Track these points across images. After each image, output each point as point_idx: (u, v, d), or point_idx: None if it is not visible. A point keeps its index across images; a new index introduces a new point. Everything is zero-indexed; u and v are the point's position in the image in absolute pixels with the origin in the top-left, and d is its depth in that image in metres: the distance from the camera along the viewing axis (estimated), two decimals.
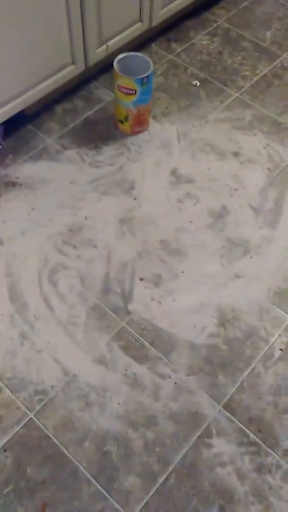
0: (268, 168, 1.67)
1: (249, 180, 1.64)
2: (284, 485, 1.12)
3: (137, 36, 1.84)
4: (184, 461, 1.15)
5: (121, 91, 1.63)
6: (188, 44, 2.01)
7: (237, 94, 1.86)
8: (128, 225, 1.53)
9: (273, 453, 1.16)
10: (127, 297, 1.39)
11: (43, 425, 1.18)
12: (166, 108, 1.81)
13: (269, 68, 1.94)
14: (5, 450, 1.15)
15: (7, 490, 1.10)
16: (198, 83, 1.88)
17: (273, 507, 1.10)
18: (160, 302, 1.39)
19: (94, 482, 1.12)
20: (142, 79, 1.59)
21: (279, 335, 1.34)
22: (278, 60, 1.96)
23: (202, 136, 1.74)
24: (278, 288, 1.42)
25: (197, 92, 1.86)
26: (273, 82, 1.90)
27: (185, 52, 1.98)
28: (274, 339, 1.33)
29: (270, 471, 1.14)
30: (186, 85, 1.88)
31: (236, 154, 1.70)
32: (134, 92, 1.62)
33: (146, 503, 1.10)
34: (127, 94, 1.63)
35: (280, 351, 1.31)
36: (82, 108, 1.80)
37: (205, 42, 2.02)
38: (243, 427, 1.20)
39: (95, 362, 1.28)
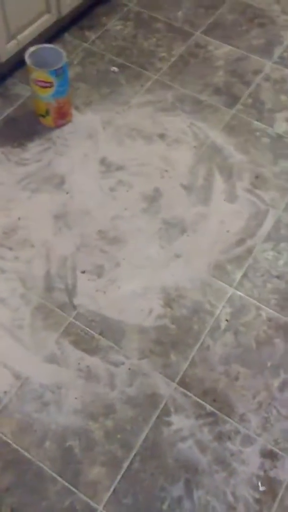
0: (194, 146, 1.69)
1: (178, 160, 1.66)
2: (244, 449, 1.17)
3: (48, 27, 1.80)
4: (146, 442, 1.17)
5: (37, 85, 1.60)
6: (102, 31, 1.99)
7: (156, 76, 1.86)
8: (64, 220, 1.52)
9: (230, 420, 1.20)
10: (71, 292, 1.39)
11: (1, 432, 1.16)
12: (87, 98, 1.79)
13: (184, 47, 1.95)
14: None
15: None
16: (116, 69, 1.87)
17: (236, 472, 1.14)
18: (105, 292, 1.39)
19: (60, 479, 1.12)
20: (56, 70, 1.56)
21: (223, 307, 1.38)
22: (192, 39, 1.98)
23: (126, 122, 1.74)
24: (217, 261, 1.46)
25: (116, 78, 1.86)
26: (189, 61, 1.92)
27: (100, 39, 1.96)
28: (219, 311, 1.37)
29: (229, 438, 1.18)
30: (104, 73, 1.87)
31: (162, 136, 1.71)
32: (50, 84, 1.59)
33: (114, 490, 1.11)
34: (43, 87, 1.60)
35: (226, 322, 1.35)
36: (1, 106, 1.75)
37: (118, 27, 2.01)
38: (199, 400, 1.23)
39: (46, 361, 1.27)
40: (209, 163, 1.66)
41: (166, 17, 2.04)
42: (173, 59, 1.92)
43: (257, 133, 1.73)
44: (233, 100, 1.81)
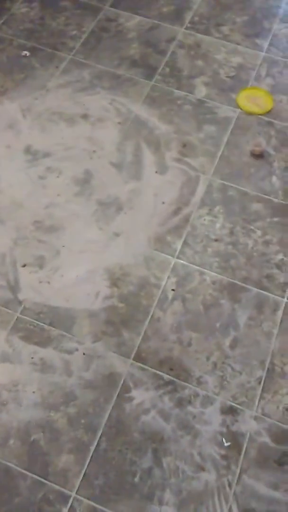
0: (119, 123, 1.68)
1: (104, 139, 1.64)
2: (204, 410, 1.20)
3: None
4: (110, 421, 1.18)
5: None
6: (7, 15, 1.91)
7: (71, 56, 1.82)
8: None
9: (188, 385, 1.23)
10: (14, 287, 1.36)
11: None
12: (2, 86, 1.73)
13: (95, 23, 1.91)
14: None
15: None
16: (27, 53, 1.82)
17: (200, 433, 1.18)
18: (49, 282, 1.38)
19: (29, 474, 1.12)
20: None
21: (168, 277, 1.39)
22: (101, 13, 1.94)
23: (46, 106, 1.70)
24: (156, 234, 1.47)
25: (29, 62, 1.80)
26: (102, 36, 1.88)
27: (6, 24, 1.89)
28: (164, 282, 1.39)
29: (190, 402, 1.21)
30: (16, 58, 1.81)
31: (85, 116, 1.69)
32: None
33: (85, 474, 1.12)
34: None
35: (173, 291, 1.37)
36: None
37: (24, 10, 1.93)
38: (156, 371, 1.25)
39: None
40: (135, 138, 1.65)
41: None
42: (84, 36, 1.87)
43: (179, 102, 1.73)
44: (150, 71, 1.80)
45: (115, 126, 1.67)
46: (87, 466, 1.13)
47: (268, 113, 1.71)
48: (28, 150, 1.61)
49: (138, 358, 1.27)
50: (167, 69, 1.81)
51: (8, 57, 1.80)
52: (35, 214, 1.49)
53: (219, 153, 1.63)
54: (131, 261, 1.42)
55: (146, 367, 1.25)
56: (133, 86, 1.76)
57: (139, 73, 1.80)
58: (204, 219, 1.50)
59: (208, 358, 1.27)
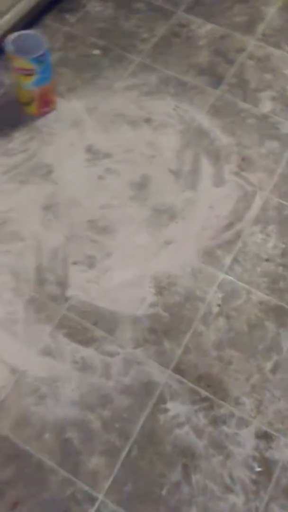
0: (180, 130, 1.68)
1: (164, 145, 1.65)
2: (239, 431, 1.19)
3: (26, 12, 1.75)
4: (144, 430, 1.19)
5: (20, 73, 1.57)
6: (82, 13, 1.94)
7: (139, 59, 1.83)
8: (53, 211, 1.51)
9: (225, 403, 1.23)
10: (63, 284, 1.39)
11: None
12: (71, 84, 1.76)
13: (166, 27, 1.91)
14: None
15: None
16: (99, 52, 1.84)
17: (232, 454, 1.17)
18: (97, 283, 1.39)
19: (60, 470, 1.14)
20: (37, 57, 1.53)
21: (214, 292, 1.39)
22: (174, 18, 1.94)
23: (111, 107, 1.72)
24: (207, 247, 1.46)
25: (99, 62, 1.82)
26: (172, 41, 1.88)
27: (80, 22, 1.92)
28: (210, 296, 1.38)
29: (224, 422, 1.21)
30: (87, 56, 1.83)
31: (148, 121, 1.69)
32: (33, 72, 1.56)
33: (114, 478, 1.14)
34: (26, 75, 1.57)
35: (218, 307, 1.36)
36: None
37: (98, 8, 1.96)
38: (193, 386, 1.25)
39: (41, 355, 1.28)
40: (196, 147, 1.64)
41: None
42: (155, 40, 1.88)
43: (243, 114, 1.71)
44: (217, 80, 1.79)
45: (176, 133, 1.67)
46: (117, 471, 1.15)
47: None
48: (89, 149, 1.63)
49: (177, 370, 1.27)
50: (234, 80, 1.79)
51: (80, 54, 1.83)
52: (90, 214, 1.51)
53: (279, 170, 1.60)
54: (179, 271, 1.42)
55: (184, 380, 1.26)
56: (198, 94, 1.75)
57: (205, 81, 1.78)
58: (257, 237, 1.48)
59: (247, 380, 1.26)
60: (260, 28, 1.92)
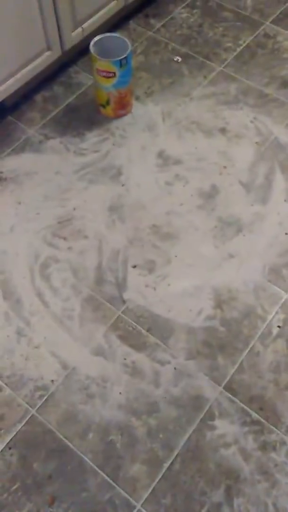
0: (256, 143, 1.63)
1: (238, 156, 1.61)
2: (287, 459, 1.13)
3: (113, 15, 1.78)
4: (188, 444, 1.16)
5: (100, 75, 1.59)
6: (167, 18, 1.95)
7: (221, 68, 1.80)
8: (118, 213, 1.51)
9: (276, 430, 1.17)
10: (121, 285, 1.38)
11: (46, 420, 1.19)
12: (149, 88, 1.77)
13: (252, 37, 1.88)
14: (9, 448, 1.16)
15: (15, 487, 1.12)
16: (180, 59, 1.83)
17: (279, 483, 1.11)
18: (155, 288, 1.38)
19: (100, 472, 1.13)
20: (120, 60, 1.54)
21: (276, 312, 1.33)
22: (261, 29, 1.90)
23: (187, 114, 1.70)
24: (273, 264, 1.41)
25: (179, 68, 1.81)
26: (256, 52, 1.84)
27: (165, 27, 1.92)
28: (271, 316, 1.33)
29: (274, 448, 1.15)
30: (168, 62, 1.83)
31: (223, 130, 1.66)
32: (113, 74, 1.57)
33: (153, 489, 1.11)
34: (106, 77, 1.59)
35: (278, 328, 1.31)
36: (63, 95, 1.76)
37: (184, 15, 1.95)
38: (245, 407, 1.20)
39: (93, 353, 1.28)
40: (271, 161, 1.59)
41: (235, 5, 1.97)
42: (239, 49, 1.85)
43: None
44: None
45: (252, 145, 1.63)
46: (157, 482, 1.12)
47: None
48: (160, 154, 1.62)
49: (229, 388, 1.23)
50: None
51: (161, 60, 1.83)
52: (155, 218, 1.50)
53: None
54: (241, 286, 1.38)
55: (235, 399, 1.21)
56: (278, 107, 1.70)
57: (287, 95, 1.73)
58: None
59: None
60: None
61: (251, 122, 1.68)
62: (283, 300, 1.35)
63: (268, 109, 1.70)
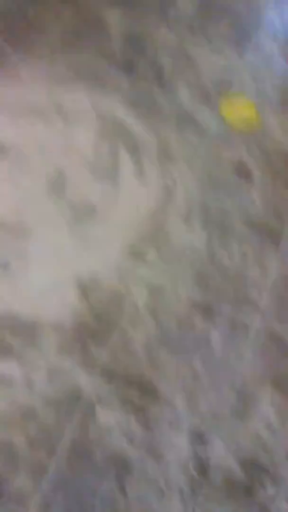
0: (97, 122, 1.60)
1: (80, 139, 1.56)
2: (172, 433, 1.15)
3: None
4: (72, 442, 1.12)
5: None
6: None
7: (51, 47, 1.72)
8: None
9: (157, 405, 1.18)
10: None
11: None
12: None
13: (72, 13, 1.82)
14: None
15: None
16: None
17: (166, 458, 1.13)
18: (13, 289, 1.29)
19: None
20: None
21: (141, 291, 1.34)
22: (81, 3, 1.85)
23: (20, 98, 1.60)
24: (130, 244, 1.41)
25: (3, 47, 1.69)
26: (82, 30, 1.79)
27: None
28: (137, 296, 1.33)
29: (157, 424, 1.16)
30: None
31: (60, 113, 1.60)
32: None
33: (43, 495, 1.06)
34: None
35: (145, 306, 1.31)
36: None
37: None
38: (123, 390, 1.19)
39: None
40: (113, 140, 1.58)
41: None
42: (65, 29, 1.78)
43: (160, 103, 1.67)
44: (132, 68, 1.73)
45: (93, 126, 1.59)
46: (45, 487, 1.06)
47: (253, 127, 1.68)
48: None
49: (106, 375, 1.20)
50: (149, 67, 1.74)
51: None
52: (2, 216, 1.39)
53: (200, 161, 1.58)
54: (103, 271, 1.35)
55: (113, 385, 1.19)
56: (114, 84, 1.69)
57: (120, 70, 1.72)
58: (181, 229, 1.45)
59: (178, 378, 1.22)
60: (171, 13, 1.88)
61: (89, 101, 1.64)
62: (145, 277, 1.36)
63: (104, 87, 1.68)
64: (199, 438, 1.15)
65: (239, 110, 1.69)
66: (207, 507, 1.09)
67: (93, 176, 1.50)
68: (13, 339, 1.22)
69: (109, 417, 1.15)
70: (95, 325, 1.27)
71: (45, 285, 1.31)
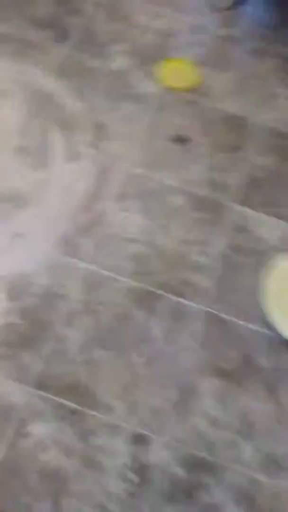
0: (23, 98, 1.44)
1: (5, 118, 1.41)
2: (112, 441, 1.08)
3: None
4: (4, 463, 1.04)
5: None
6: None
7: None
8: None
9: (94, 412, 1.10)
10: None
11: None
12: None
13: None
14: None
15: None
16: None
17: (106, 468, 1.05)
18: None
19: None
20: None
21: (77, 286, 1.23)
22: None
23: None
24: (65, 234, 1.29)
25: None
26: None
27: None
28: (73, 292, 1.22)
29: (95, 433, 1.08)
30: None
31: None
32: None
33: None
34: None
35: (82, 303, 1.21)
36: None
37: None
38: (59, 400, 1.11)
39: None
40: (43, 117, 1.42)
41: None
42: None
43: (94, 73, 1.51)
44: (63, 35, 1.55)
45: (18, 102, 1.43)
46: None
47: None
48: None
49: (40, 385, 1.11)
50: (81, 33, 1.57)
51: None
52: None
53: (140, 137, 1.44)
54: (35, 267, 1.24)
55: (48, 395, 1.10)
56: (42, 53, 1.52)
57: (49, 37, 1.55)
58: (119, 216, 1.33)
59: (118, 380, 1.13)
60: None
61: (14, 74, 1.47)
62: (81, 270, 1.25)
63: (31, 56, 1.51)
64: (138, 440, 1.08)
65: (178, 71, 1.53)
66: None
67: (22, 161, 1.36)
68: None
69: (43, 432, 1.07)
70: (26, 329, 1.17)
71: None
